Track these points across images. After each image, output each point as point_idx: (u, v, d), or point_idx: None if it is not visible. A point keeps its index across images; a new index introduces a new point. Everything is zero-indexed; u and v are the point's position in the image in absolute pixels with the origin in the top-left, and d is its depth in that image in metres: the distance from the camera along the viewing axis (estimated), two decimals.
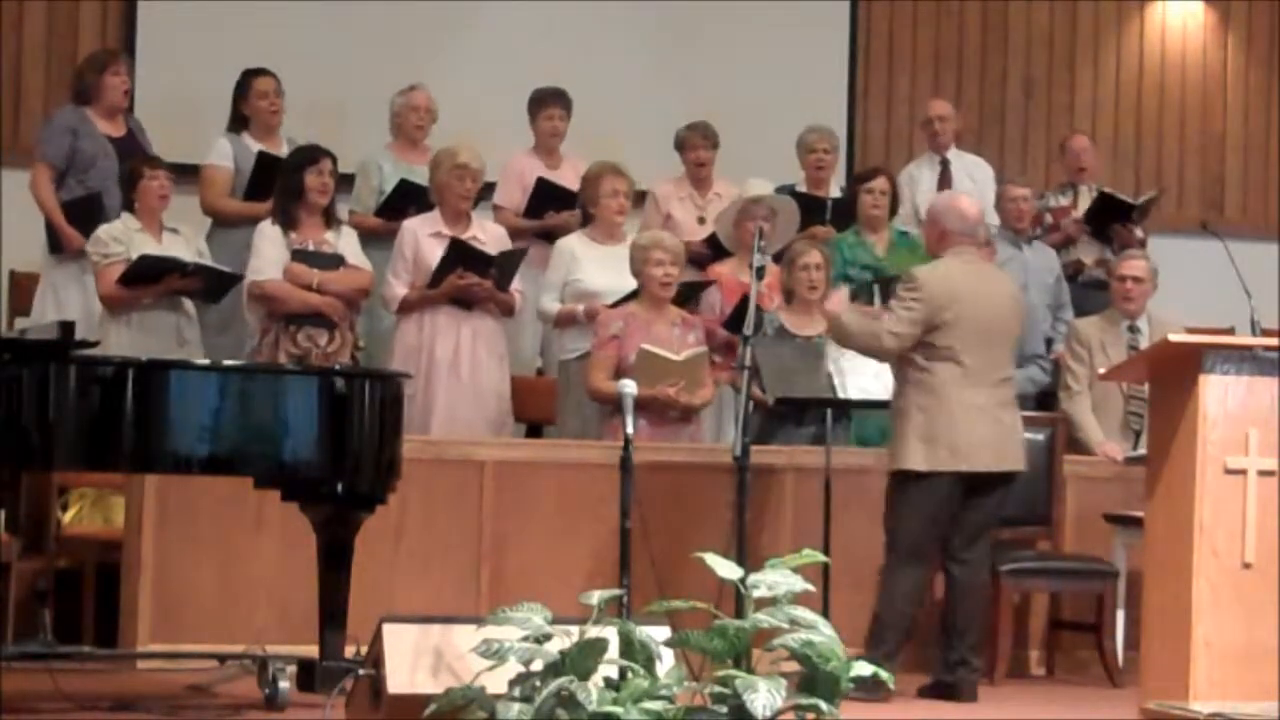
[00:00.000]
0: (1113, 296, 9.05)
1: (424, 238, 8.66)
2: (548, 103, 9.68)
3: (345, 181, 9.31)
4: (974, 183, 10.26)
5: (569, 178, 9.40)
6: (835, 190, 10.05)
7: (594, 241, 8.90)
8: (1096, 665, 8.21)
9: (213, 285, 8.50)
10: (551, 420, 9.16)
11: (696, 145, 9.74)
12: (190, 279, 8.36)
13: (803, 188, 9.87)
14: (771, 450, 8.15)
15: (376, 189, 9.34)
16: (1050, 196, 10.60)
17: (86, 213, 8.74)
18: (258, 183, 9.05)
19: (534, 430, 9.49)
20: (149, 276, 8.29)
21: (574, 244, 8.92)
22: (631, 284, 8.47)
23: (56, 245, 8.90)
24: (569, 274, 8.83)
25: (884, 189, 9.51)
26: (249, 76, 9.37)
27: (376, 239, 9.04)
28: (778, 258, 8.78)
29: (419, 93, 9.55)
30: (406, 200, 9.10)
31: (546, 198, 9.42)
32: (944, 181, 10.26)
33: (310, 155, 8.54)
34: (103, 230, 8.44)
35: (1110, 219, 10.20)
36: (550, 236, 9.25)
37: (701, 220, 9.62)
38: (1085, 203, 10.39)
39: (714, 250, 9.36)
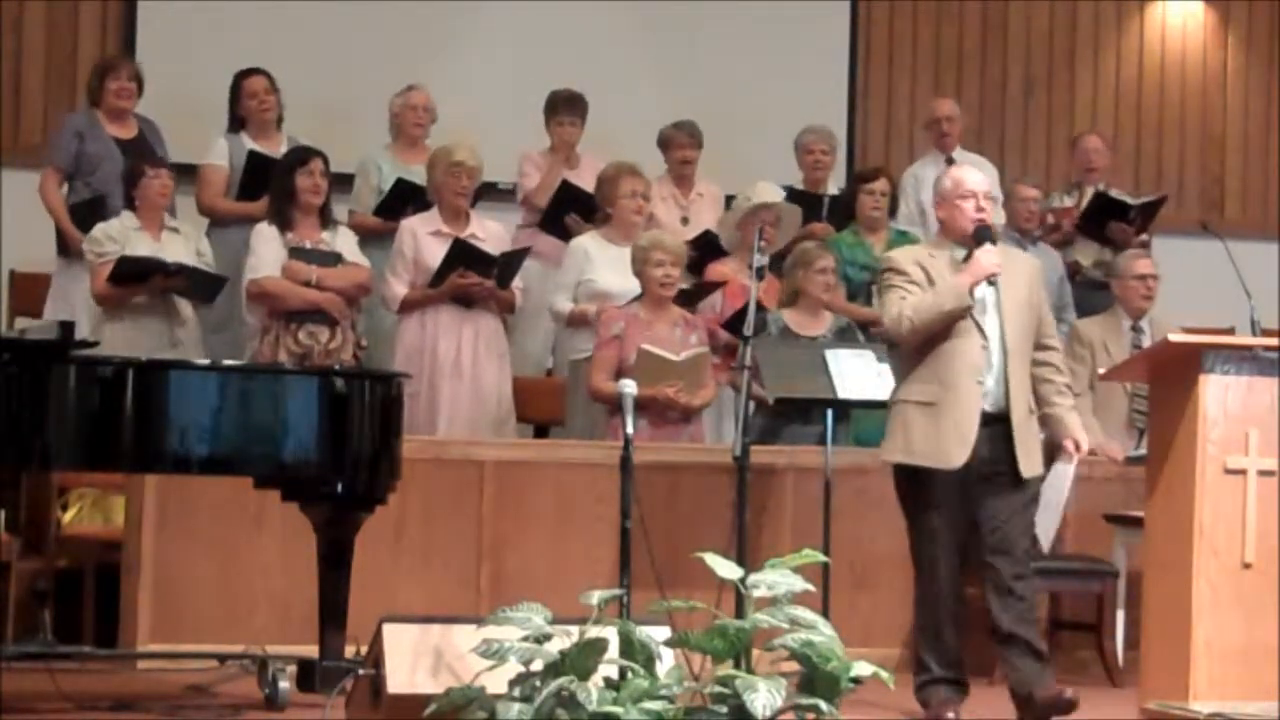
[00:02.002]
0: (1124, 296, 9.04)
1: (423, 236, 8.66)
2: (560, 108, 9.64)
3: (346, 181, 9.33)
4: None
5: (587, 178, 9.37)
6: (832, 189, 10.04)
7: (609, 242, 8.87)
8: (1096, 665, 8.20)
9: (201, 286, 8.50)
10: (558, 421, 9.16)
11: (682, 144, 9.73)
12: (175, 279, 8.37)
13: (800, 187, 9.86)
14: (771, 450, 8.15)
15: (375, 189, 9.33)
16: (1055, 197, 10.58)
17: (90, 215, 8.78)
18: (250, 183, 9.08)
19: (541, 432, 9.48)
20: (136, 276, 8.31)
21: (588, 244, 8.90)
22: None
23: (64, 248, 8.94)
24: (582, 274, 8.81)
25: (885, 190, 9.52)
26: (240, 77, 9.39)
27: (376, 239, 9.04)
28: (777, 260, 8.76)
29: (417, 92, 9.55)
30: (405, 200, 9.10)
31: (568, 200, 9.40)
32: None
33: (300, 156, 8.55)
34: (99, 229, 8.46)
35: (1107, 219, 10.18)
36: (568, 235, 9.25)
37: (684, 220, 9.61)
38: None
39: (699, 250, 9.34)
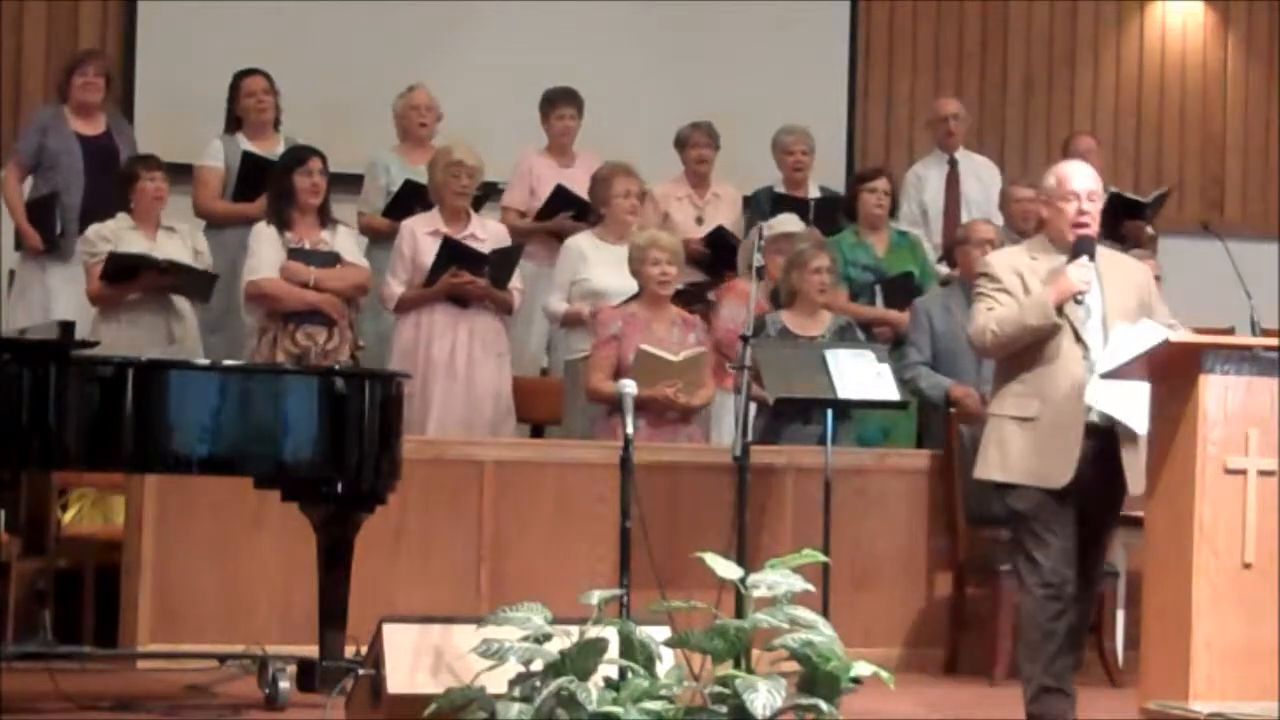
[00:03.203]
0: None
1: (422, 236, 8.66)
2: (558, 103, 9.68)
3: (353, 182, 9.34)
4: (980, 183, 10.25)
5: (582, 177, 9.38)
6: (813, 190, 10.02)
7: (603, 241, 8.88)
8: (1096, 665, 8.19)
9: (194, 283, 8.51)
10: (555, 420, 9.16)
11: (699, 143, 9.74)
12: (167, 275, 8.37)
13: (781, 189, 9.85)
14: (771, 450, 8.15)
15: (384, 189, 9.33)
16: None
17: (43, 212, 8.83)
18: (245, 183, 9.07)
19: (537, 431, 9.48)
20: (127, 273, 8.31)
21: (583, 243, 8.91)
22: None
23: (19, 243, 8.99)
24: (576, 273, 8.82)
25: (887, 189, 9.51)
26: (238, 78, 9.38)
27: (385, 240, 9.03)
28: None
29: (419, 92, 9.54)
30: (413, 200, 9.09)
31: (562, 203, 9.40)
32: (952, 181, 10.23)
33: (298, 156, 8.54)
34: (92, 230, 8.49)
35: (1122, 218, 10.16)
36: (561, 236, 9.25)
37: (699, 220, 9.61)
38: None
39: (713, 250, 9.34)
